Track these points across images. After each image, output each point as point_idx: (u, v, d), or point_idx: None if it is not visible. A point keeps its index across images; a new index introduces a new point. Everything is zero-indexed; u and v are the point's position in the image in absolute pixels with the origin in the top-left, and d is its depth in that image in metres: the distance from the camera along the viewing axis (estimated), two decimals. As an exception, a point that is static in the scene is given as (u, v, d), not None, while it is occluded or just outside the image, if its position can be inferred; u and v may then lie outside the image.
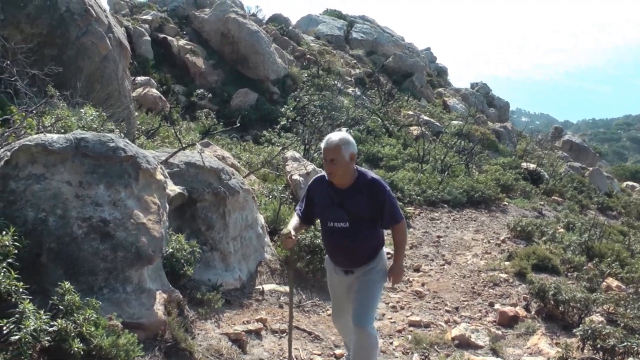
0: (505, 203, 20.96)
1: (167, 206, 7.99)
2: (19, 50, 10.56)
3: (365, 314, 6.29)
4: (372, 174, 6.32)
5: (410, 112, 32.36)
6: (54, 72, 10.52)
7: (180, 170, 9.44)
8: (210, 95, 25.58)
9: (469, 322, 9.50)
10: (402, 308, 9.99)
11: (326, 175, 6.27)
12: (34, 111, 8.73)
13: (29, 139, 7.07)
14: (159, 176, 7.82)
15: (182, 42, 28.38)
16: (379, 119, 28.77)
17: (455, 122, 33.39)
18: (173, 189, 8.71)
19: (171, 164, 9.39)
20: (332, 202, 6.25)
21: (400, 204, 17.01)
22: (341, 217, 6.22)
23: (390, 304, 10.10)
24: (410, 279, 11.68)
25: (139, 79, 22.53)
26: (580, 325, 8.48)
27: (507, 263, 12.75)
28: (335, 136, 6.15)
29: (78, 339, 5.52)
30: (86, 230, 6.65)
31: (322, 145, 6.16)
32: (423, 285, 11.34)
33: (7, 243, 5.77)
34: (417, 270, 12.40)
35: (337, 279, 6.69)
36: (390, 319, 9.52)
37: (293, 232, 6.17)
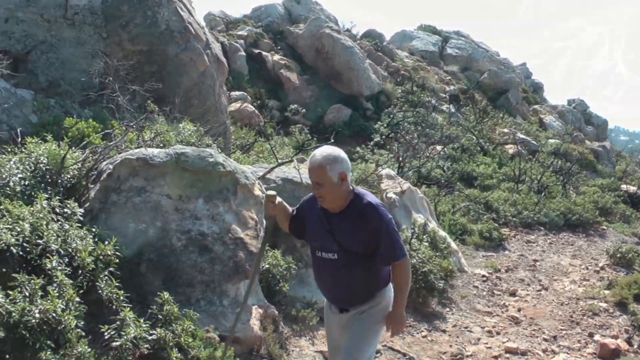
0: (604, 227, 20.16)
1: (264, 222, 7.85)
2: (120, 67, 10.98)
3: None
4: (370, 197, 5.30)
5: (506, 130, 31.91)
6: (153, 88, 10.93)
7: (277, 186, 9.42)
8: (303, 110, 25.89)
9: (567, 353, 9.31)
10: (497, 333, 9.81)
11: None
12: (134, 126, 8.99)
13: (130, 153, 7.48)
14: (257, 192, 7.92)
15: (276, 57, 28.82)
16: (473, 137, 28.46)
17: (551, 141, 32.70)
18: None
19: (268, 180, 9.47)
20: (321, 228, 5.31)
21: (495, 225, 16.88)
22: (329, 247, 5.26)
23: (486, 329, 9.95)
24: (506, 303, 11.46)
25: (234, 93, 22.99)
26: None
27: (606, 292, 12.30)
28: (319, 153, 5.11)
29: (176, 349, 5.70)
30: (185, 243, 6.93)
31: (308, 162, 5.23)
32: (519, 310, 11.11)
33: (109, 252, 6.02)
34: (513, 294, 12.14)
35: (332, 317, 5.68)
36: (486, 344, 9.38)
37: (279, 199, 5.43)
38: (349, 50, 29.57)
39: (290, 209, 5.61)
